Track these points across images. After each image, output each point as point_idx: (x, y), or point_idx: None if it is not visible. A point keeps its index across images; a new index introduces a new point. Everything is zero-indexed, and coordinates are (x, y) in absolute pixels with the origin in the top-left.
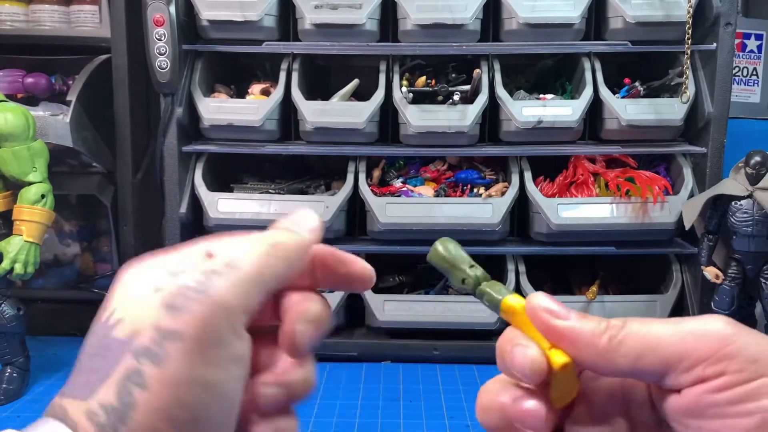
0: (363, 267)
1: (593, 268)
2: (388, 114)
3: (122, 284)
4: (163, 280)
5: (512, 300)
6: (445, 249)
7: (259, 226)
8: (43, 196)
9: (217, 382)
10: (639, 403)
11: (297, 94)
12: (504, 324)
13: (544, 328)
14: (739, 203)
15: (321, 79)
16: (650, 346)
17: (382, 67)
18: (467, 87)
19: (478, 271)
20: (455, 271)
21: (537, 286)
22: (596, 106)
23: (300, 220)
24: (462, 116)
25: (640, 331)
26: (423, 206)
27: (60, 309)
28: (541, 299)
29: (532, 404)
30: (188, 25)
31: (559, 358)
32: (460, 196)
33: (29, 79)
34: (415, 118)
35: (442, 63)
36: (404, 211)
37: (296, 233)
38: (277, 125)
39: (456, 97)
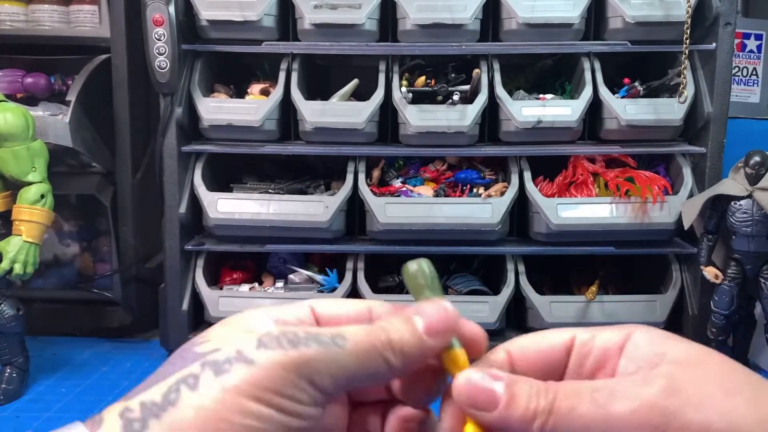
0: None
1: (593, 268)
2: (387, 114)
3: (226, 320)
4: (268, 323)
5: (455, 356)
6: (418, 272)
7: (259, 226)
8: (42, 196)
9: (266, 425)
10: None
11: (296, 94)
12: (504, 323)
13: (472, 419)
14: (738, 203)
15: (320, 79)
16: None
17: (382, 67)
18: (467, 87)
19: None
20: (418, 296)
21: (537, 286)
22: (596, 106)
23: (432, 316)
24: (461, 116)
25: (568, 417)
26: (422, 206)
27: (59, 309)
28: (462, 390)
29: None
30: (188, 25)
31: None
32: (459, 196)
33: (29, 79)
34: (415, 118)
35: (441, 63)
36: (404, 211)
37: (420, 337)
38: (276, 125)
39: (455, 97)
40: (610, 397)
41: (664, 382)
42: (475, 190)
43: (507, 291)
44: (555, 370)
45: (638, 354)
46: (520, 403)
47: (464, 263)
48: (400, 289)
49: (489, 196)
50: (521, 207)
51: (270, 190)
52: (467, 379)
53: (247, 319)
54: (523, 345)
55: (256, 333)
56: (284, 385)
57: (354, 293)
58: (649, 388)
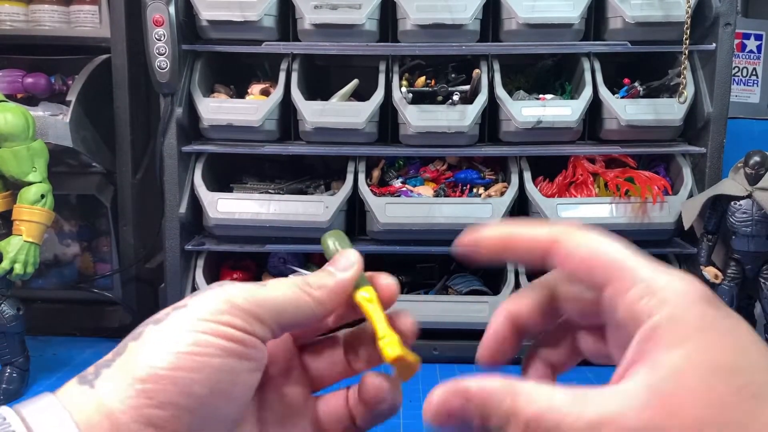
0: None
1: None
2: (387, 114)
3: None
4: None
5: (363, 294)
6: (329, 238)
7: (259, 226)
8: (42, 196)
9: (205, 349)
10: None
11: (296, 95)
12: None
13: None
14: (738, 203)
15: (320, 79)
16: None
17: (382, 67)
18: (467, 87)
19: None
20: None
21: None
22: (596, 106)
23: (339, 260)
24: (461, 116)
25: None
26: (422, 206)
27: (60, 309)
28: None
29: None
30: (188, 25)
31: (391, 351)
32: (459, 196)
33: (29, 79)
34: (415, 118)
35: (441, 63)
36: (404, 211)
37: (330, 272)
38: (276, 125)
39: (455, 97)
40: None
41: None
42: (475, 190)
43: (507, 291)
44: (598, 284)
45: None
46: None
47: (464, 263)
48: (400, 289)
49: (489, 196)
50: (521, 207)
51: (270, 190)
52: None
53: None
54: (576, 246)
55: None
56: (215, 314)
57: None
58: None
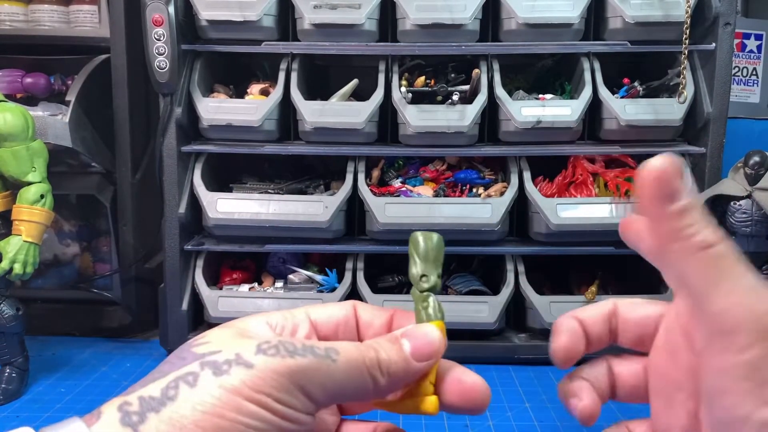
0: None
1: (592, 268)
2: (387, 114)
3: (226, 324)
4: (266, 330)
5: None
6: (433, 245)
7: (259, 226)
8: (42, 196)
9: (260, 424)
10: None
11: (296, 94)
12: (503, 323)
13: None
14: (738, 203)
15: (320, 79)
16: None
17: (381, 67)
18: (466, 87)
19: (439, 282)
20: (427, 265)
21: (536, 286)
22: (595, 106)
23: (420, 340)
24: (461, 116)
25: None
26: (422, 206)
27: (59, 309)
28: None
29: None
30: (187, 25)
31: (428, 406)
32: (459, 196)
33: (28, 79)
34: (414, 118)
35: (441, 63)
36: (403, 211)
37: (406, 359)
38: (276, 125)
39: (455, 97)
40: (751, 291)
41: None
42: (474, 190)
43: (507, 291)
44: (645, 340)
45: None
46: (692, 219)
47: (464, 263)
48: (399, 289)
49: (489, 196)
50: (521, 207)
51: (270, 190)
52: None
53: (246, 325)
54: (629, 309)
55: (255, 340)
56: (279, 390)
57: (354, 293)
58: None
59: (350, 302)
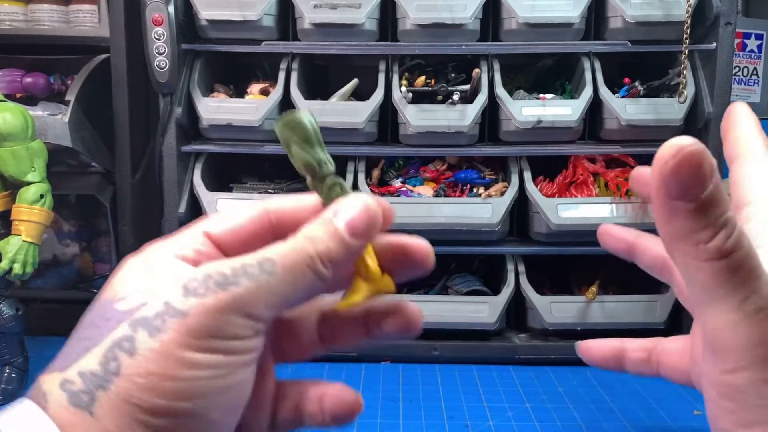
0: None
1: (593, 268)
2: (387, 114)
3: (130, 266)
4: (177, 264)
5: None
6: (309, 122)
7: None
8: (41, 196)
9: (215, 371)
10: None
11: (296, 94)
12: (504, 323)
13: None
14: None
15: (320, 78)
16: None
17: (382, 66)
18: (467, 87)
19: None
20: (311, 150)
21: (537, 286)
22: (596, 105)
23: (353, 212)
24: (461, 116)
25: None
26: (422, 206)
27: (59, 309)
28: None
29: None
30: (187, 24)
31: (385, 285)
32: (459, 196)
33: (28, 79)
34: (415, 117)
35: (441, 63)
36: (403, 210)
37: (344, 241)
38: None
39: (455, 97)
40: (758, 312)
41: None
42: (475, 190)
43: (507, 291)
44: None
45: None
46: (708, 221)
47: (464, 263)
48: (399, 289)
49: (489, 196)
50: (521, 207)
51: (270, 190)
52: (686, 151)
53: (152, 262)
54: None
55: (178, 279)
56: (223, 327)
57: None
58: None
59: (259, 205)
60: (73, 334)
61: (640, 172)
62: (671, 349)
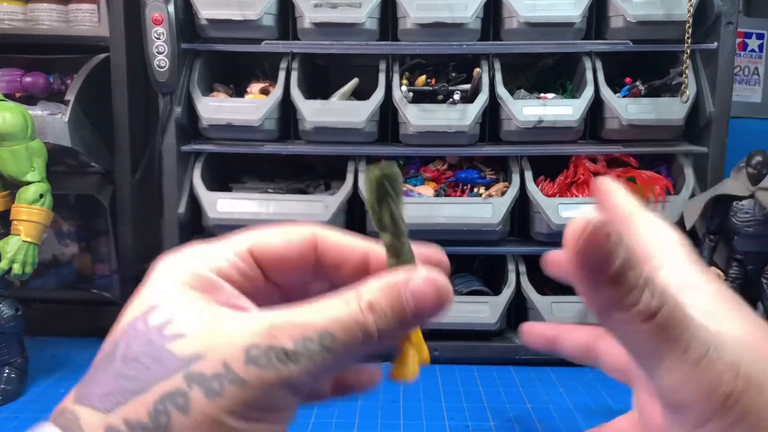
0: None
1: None
2: (387, 113)
3: (174, 278)
4: (253, 323)
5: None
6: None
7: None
8: (41, 196)
9: (264, 413)
10: None
11: (296, 94)
12: (504, 323)
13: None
14: (740, 203)
15: (320, 78)
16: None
17: (382, 66)
18: (467, 86)
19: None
20: (394, 207)
21: (537, 287)
22: (597, 105)
23: (419, 286)
24: (462, 116)
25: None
26: (423, 206)
27: (58, 309)
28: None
29: None
30: (187, 24)
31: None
32: (460, 196)
33: (27, 79)
34: (415, 117)
35: (442, 62)
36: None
37: (407, 322)
38: (276, 125)
39: (456, 97)
40: (699, 363)
41: None
42: (475, 190)
43: (508, 291)
44: None
45: None
46: (627, 283)
47: (464, 263)
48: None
49: (490, 195)
50: (522, 207)
51: (270, 190)
52: (592, 225)
53: (197, 279)
54: None
55: (239, 336)
56: (274, 401)
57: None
58: (730, 378)
59: (309, 230)
60: (107, 359)
61: (552, 256)
62: (618, 429)
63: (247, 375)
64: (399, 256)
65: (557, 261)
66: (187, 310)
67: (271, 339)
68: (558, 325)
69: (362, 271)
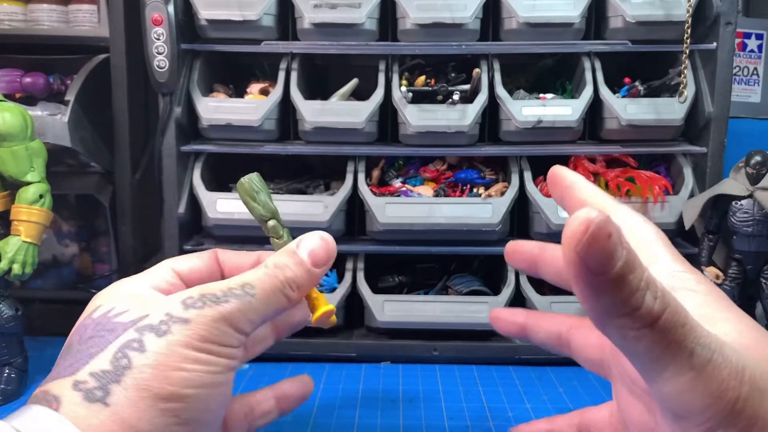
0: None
1: None
2: (387, 114)
3: (111, 295)
4: (184, 292)
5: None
6: (252, 184)
7: (258, 226)
8: (41, 196)
9: (212, 368)
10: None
11: (296, 94)
12: None
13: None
14: (739, 203)
15: (320, 78)
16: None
17: (382, 66)
18: (467, 86)
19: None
20: (264, 196)
21: (537, 287)
22: (596, 105)
23: (314, 245)
24: (461, 116)
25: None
26: (422, 206)
27: (58, 309)
28: (578, 237)
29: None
30: (187, 24)
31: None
32: (459, 196)
33: (27, 79)
34: (415, 117)
35: (441, 62)
36: (403, 211)
37: (308, 269)
38: (275, 125)
39: (455, 97)
40: (705, 367)
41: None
42: (475, 190)
43: (507, 291)
44: None
45: None
46: (632, 287)
47: (464, 263)
48: (400, 289)
49: (489, 196)
50: (521, 207)
51: (269, 190)
52: (595, 224)
53: (133, 291)
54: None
55: (173, 297)
56: (217, 335)
57: (354, 293)
58: (734, 381)
59: (210, 251)
60: (67, 350)
61: (514, 246)
62: (599, 419)
63: (189, 315)
64: (281, 237)
65: (519, 251)
66: (126, 298)
67: (203, 291)
68: (528, 312)
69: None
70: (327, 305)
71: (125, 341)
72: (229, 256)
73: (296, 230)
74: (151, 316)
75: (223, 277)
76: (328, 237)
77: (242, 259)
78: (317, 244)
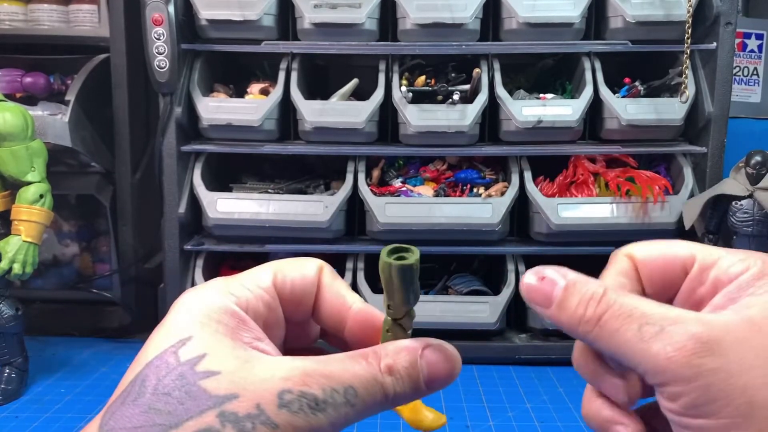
0: None
1: (593, 268)
2: (387, 114)
3: (200, 312)
4: (286, 368)
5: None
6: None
7: (259, 226)
8: (41, 196)
9: None
10: None
11: (296, 94)
12: (504, 323)
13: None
14: (739, 203)
15: (320, 78)
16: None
17: (382, 66)
18: (467, 86)
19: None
20: (412, 297)
21: None
22: (596, 105)
23: (440, 365)
24: (462, 116)
25: (609, 337)
26: (422, 206)
27: (59, 309)
28: (524, 286)
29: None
30: (187, 24)
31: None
32: (459, 196)
33: (28, 79)
34: (415, 117)
35: (441, 62)
36: (404, 211)
37: (420, 389)
38: (276, 125)
39: (456, 97)
40: (656, 336)
41: (709, 338)
42: (475, 190)
43: (507, 291)
44: (672, 286)
45: (737, 297)
46: (569, 306)
47: (464, 263)
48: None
49: (489, 195)
50: (521, 207)
51: (270, 190)
52: (530, 276)
53: (223, 315)
54: (647, 252)
55: (272, 380)
56: (309, 408)
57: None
58: (691, 342)
59: (317, 267)
60: (134, 386)
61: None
62: None
63: (279, 419)
64: (406, 331)
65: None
66: (219, 348)
67: (304, 386)
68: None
69: (350, 321)
70: (439, 417)
71: (202, 428)
72: (331, 280)
73: (296, 230)
74: (240, 401)
75: (317, 296)
76: (457, 359)
77: (343, 301)
78: (445, 367)
